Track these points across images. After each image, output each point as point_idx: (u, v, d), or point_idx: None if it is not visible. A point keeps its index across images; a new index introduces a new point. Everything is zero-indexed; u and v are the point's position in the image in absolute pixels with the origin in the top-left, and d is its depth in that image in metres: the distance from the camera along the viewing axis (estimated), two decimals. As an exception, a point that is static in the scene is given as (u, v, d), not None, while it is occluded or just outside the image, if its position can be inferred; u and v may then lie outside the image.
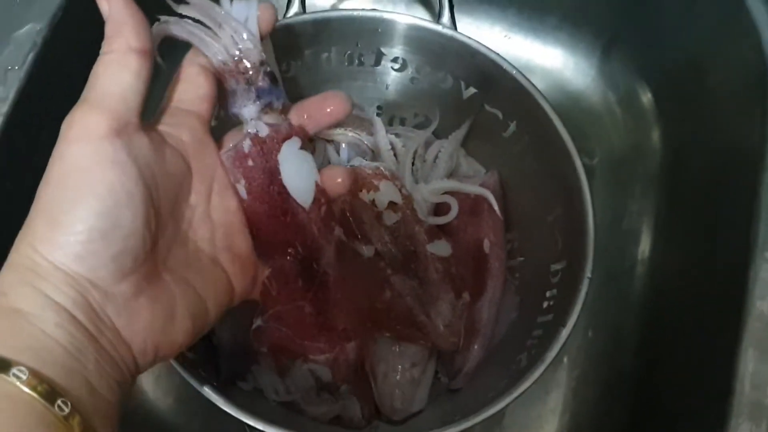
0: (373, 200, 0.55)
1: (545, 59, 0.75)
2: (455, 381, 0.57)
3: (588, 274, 0.49)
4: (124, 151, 0.32)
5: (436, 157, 0.61)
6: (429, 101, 0.62)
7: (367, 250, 0.56)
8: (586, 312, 0.49)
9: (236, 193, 0.41)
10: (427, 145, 0.62)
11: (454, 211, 0.59)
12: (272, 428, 0.45)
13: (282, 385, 0.51)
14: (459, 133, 0.62)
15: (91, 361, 0.31)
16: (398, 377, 0.55)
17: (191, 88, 0.39)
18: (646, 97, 0.71)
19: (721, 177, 0.60)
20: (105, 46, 0.34)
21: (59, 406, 0.29)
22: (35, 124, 0.54)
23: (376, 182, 0.55)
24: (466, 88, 0.59)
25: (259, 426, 0.45)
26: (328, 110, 0.45)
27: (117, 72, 0.33)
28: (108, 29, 0.34)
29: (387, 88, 0.63)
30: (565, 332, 0.48)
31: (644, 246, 0.68)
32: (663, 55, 0.69)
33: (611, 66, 0.73)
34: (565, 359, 0.66)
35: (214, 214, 0.40)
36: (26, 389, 0.28)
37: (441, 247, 0.56)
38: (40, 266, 0.31)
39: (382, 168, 0.56)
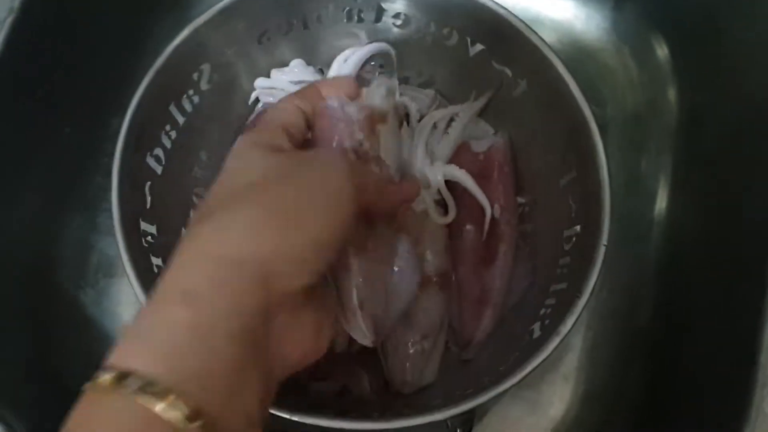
0: None
1: (555, 11, 0.71)
2: (466, 352, 0.55)
3: (604, 242, 0.47)
4: None
5: (448, 125, 0.58)
6: (433, 59, 0.60)
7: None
8: (601, 272, 0.47)
9: None
10: (433, 105, 0.60)
11: (451, 215, 0.56)
12: (277, 411, 0.43)
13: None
14: (476, 105, 0.59)
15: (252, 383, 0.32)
16: (409, 350, 0.53)
17: None
18: (662, 51, 0.68)
19: (742, 133, 0.58)
20: None
21: None
22: (18, 92, 0.52)
23: None
24: (473, 44, 0.56)
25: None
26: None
27: None
28: None
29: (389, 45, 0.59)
30: (580, 303, 0.47)
31: (661, 205, 0.66)
32: (680, 6, 0.65)
33: (625, 18, 0.70)
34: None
35: None
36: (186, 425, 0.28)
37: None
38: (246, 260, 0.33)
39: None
